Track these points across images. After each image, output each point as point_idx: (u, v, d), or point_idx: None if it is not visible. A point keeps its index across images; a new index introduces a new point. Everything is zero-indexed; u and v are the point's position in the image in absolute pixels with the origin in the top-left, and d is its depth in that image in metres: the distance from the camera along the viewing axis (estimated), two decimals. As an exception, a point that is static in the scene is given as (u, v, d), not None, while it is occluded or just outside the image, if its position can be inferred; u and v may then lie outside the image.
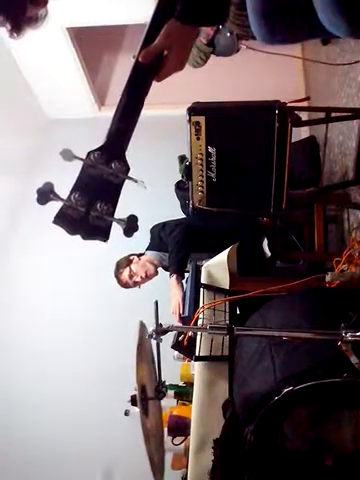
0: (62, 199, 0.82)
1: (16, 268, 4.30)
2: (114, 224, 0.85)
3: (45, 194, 0.81)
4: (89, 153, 0.86)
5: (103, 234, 0.84)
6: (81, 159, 0.85)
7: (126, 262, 2.89)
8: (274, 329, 1.36)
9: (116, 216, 0.85)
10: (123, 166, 0.87)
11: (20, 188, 4.40)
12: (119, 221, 0.84)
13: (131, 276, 2.86)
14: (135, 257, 2.89)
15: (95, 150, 0.86)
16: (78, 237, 0.84)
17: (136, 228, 0.84)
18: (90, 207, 0.83)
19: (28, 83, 4.81)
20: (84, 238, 0.84)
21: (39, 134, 4.90)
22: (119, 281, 2.88)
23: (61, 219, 0.82)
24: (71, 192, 0.83)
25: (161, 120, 4.55)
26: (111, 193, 0.86)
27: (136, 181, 0.88)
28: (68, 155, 0.84)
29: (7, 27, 0.91)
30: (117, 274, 2.88)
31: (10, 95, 4.51)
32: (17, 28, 0.92)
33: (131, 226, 0.84)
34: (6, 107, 4.39)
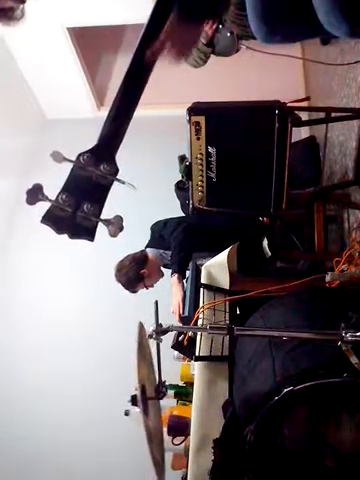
0: (50, 200, 0.85)
1: (15, 268, 4.31)
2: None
3: (34, 195, 0.83)
4: (79, 155, 0.88)
5: (89, 234, 0.87)
6: (71, 161, 0.87)
7: (137, 278, 2.83)
8: (274, 329, 1.36)
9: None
10: (112, 168, 0.89)
11: (19, 188, 4.39)
12: (104, 222, 0.86)
13: (147, 288, 2.88)
14: (144, 270, 2.83)
15: (85, 152, 0.88)
16: (62, 235, 0.86)
17: (121, 228, 0.87)
18: (77, 208, 0.86)
19: (27, 83, 4.81)
20: (70, 237, 0.87)
21: (38, 134, 4.90)
22: (132, 292, 2.89)
23: (48, 219, 0.85)
24: (59, 193, 0.86)
25: (161, 120, 4.56)
26: (98, 194, 0.88)
27: (124, 183, 0.90)
28: (58, 157, 0.86)
29: None
30: (131, 290, 2.86)
31: (9, 95, 4.51)
32: None
33: (116, 226, 0.86)
34: (5, 107, 4.39)
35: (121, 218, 0.86)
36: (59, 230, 0.86)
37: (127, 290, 2.86)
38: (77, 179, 0.87)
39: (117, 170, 0.89)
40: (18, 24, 0.95)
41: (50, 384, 3.68)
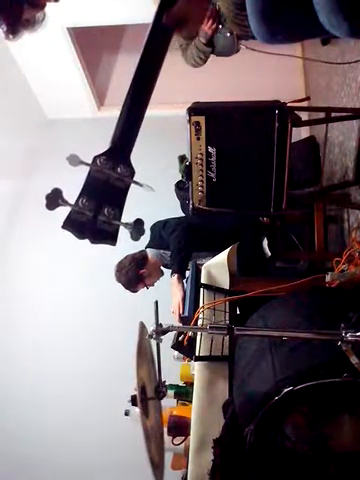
0: (70, 204, 0.84)
1: (15, 268, 4.31)
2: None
3: (54, 200, 0.82)
4: (95, 158, 0.87)
5: (111, 238, 0.86)
6: (87, 164, 0.86)
7: (137, 278, 2.85)
8: (274, 329, 1.36)
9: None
10: (128, 170, 0.88)
11: (19, 188, 4.40)
12: (126, 225, 0.86)
13: (148, 287, 2.89)
14: (144, 270, 2.85)
15: (101, 155, 0.87)
16: (83, 240, 0.85)
17: (142, 232, 0.86)
18: (98, 212, 0.85)
19: (28, 83, 4.81)
20: (92, 242, 0.86)
21: (38, 134, 4.90)
22: (132, 292, 2.90)
23: (70, 224, 0.84)
24: (79, 197, 0.85)
25: (161, 120, 4.55)
26: (117, 197, 0.87)
27: (141, 185, 0.89)
28: (74, 160, 0.85)
29: (3, 28, 0.91)
30: (132, 290, 2.88)
31: (10, 95, 4.51)
32: (13, 30, 0.91)
33: (138, 230, 0.86)
34: (5, 106, 4.39)
35: (142, 221, 0.86)
36: (81, 235, 0.85)
37: (127, 290, 2.87)
38: (95, 182, 0.86)
39: (133, 172, 0.88)
40: (41, 27, 0.95)
41: (50, 384, 3.69)
